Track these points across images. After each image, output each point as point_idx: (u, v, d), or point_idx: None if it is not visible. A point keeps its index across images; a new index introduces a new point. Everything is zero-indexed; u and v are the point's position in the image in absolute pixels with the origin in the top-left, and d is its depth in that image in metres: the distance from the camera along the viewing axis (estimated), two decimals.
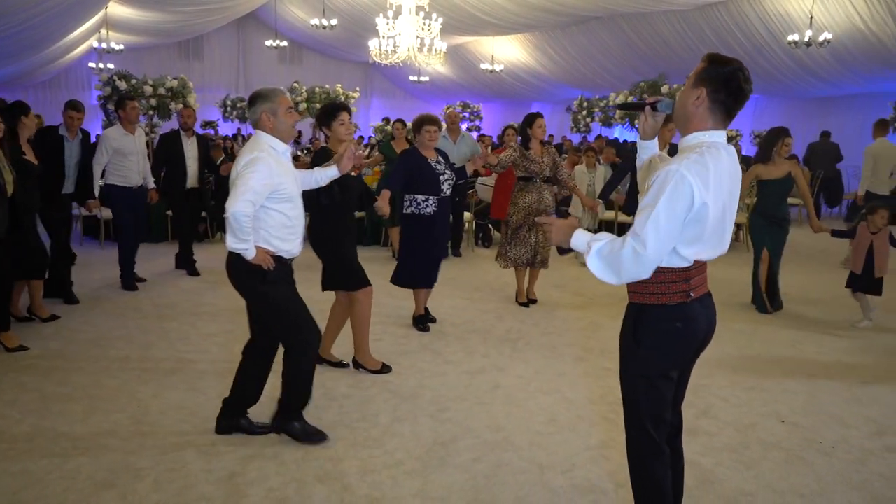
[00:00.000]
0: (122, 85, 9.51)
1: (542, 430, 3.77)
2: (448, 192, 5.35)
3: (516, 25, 18.29)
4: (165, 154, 7.09)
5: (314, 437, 3.53)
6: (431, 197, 5.23)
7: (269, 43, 20.54)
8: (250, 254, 3.21)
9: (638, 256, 2.15)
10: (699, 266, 2.34)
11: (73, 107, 5.84)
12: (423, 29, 13.98)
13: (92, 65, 19.43)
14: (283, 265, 3.38)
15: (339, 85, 13.47)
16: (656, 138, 2.59)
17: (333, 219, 4.32)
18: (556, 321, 5.86)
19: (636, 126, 11.18)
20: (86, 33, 17.03)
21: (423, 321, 5.59)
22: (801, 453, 3.56)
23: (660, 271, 2.26)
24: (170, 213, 8.41)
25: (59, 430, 3.64)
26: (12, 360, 4.64)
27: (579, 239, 2.31)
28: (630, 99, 10.60)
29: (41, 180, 5.40)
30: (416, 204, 5.25)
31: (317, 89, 12.58)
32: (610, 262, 2.20)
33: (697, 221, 2.19)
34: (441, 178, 5.26)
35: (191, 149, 7.09)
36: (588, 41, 17.98)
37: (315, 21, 17.54)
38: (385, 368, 4.57)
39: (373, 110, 27.02)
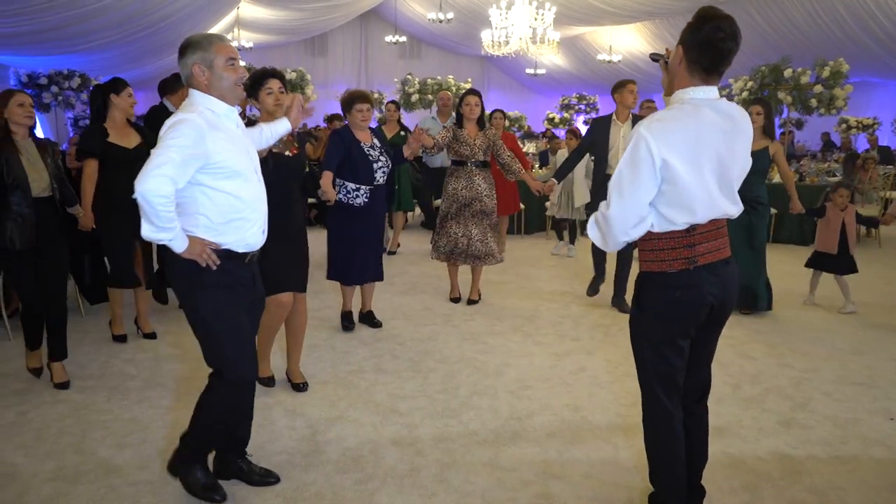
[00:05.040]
0: None
1: (624, 412, 3.70)
2: (382, 181, 4.76)
3: (635, 14, 17.75)
4: None
5: (212, 494, 2.78)
6: (364, 186, 4.67)
7: (388, 38, 21.07)
8: (178, 245, 2.47)
9: (604, 218, 2.24)
10: (706, 232, 2.28)
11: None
12: (535, 19, 13.88)
13: None
14: (233, 263, 2.63)
15: (451, 77, 13.64)
16: None
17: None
18: None
19: None
20: (220, 33, 18.18)
21: (346, 319, 5.08)
22: None
23: (657, 237, 2.28)
24: None
25: (167, 386, 3.97)
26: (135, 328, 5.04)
27: None
28: (750, 84, 10.06)
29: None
30: (345, 191, 4.67)
31: (429, 80, 12.81)
32: (597, 226, 2.32)
33: (668, 181, 2.18)
34: (374, 165, 4.68)
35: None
36: None
37: (432, 15, 17.83)
38: (268, 381, 3.92)
39: (490, 103, 27.09)
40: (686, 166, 2.16)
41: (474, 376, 4.17)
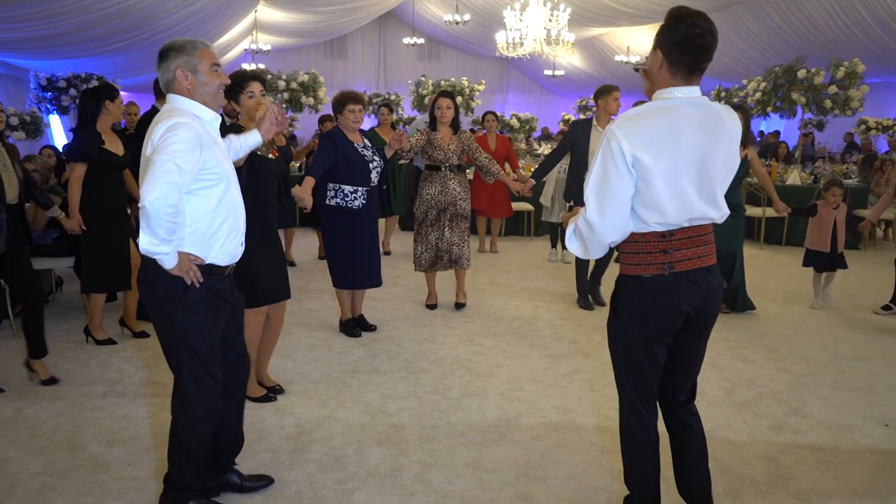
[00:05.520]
0: None
1: (612, 415, 3.67)
2: (376, 182, 4.74)
3: (652, 14, 17.60)
4: None
5: None
6: (360, 188, 4.63)
7: (406, 40, 21.13)
8: (169, 262, 2.36)
9: (586, 223, 2.20)
10: (686, 239, 2.22)
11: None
12: (550, 20, 13.84)
13: (245, 66, 20.96)
14: (214, 279, 2.53)
15: (465, 78, 13.64)
16: None
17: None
18: None
19: (771, 116, 10.48)
20: (239, 36, 18.36)
21: (351, 326, 4.99)
22: None
23: (634, 241, 2.25)
24: None
25: (164, 384, 4.03)
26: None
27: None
28: (763, 85, 9.93)
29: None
30: (342, 195, 4.63)
31: (442, 82, 12.83)
32: (577, 235, 2.28)
33: (641, 178, 2.13)
34: (370, 165, 4.66)
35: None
36: (730, 28, 16.97)
37: (449, 17, 17.85)
38: (268, 397, 3.80)
39: (508, 105, 27.08)
40: (657, 163, 2.10)
41: (467, 377, 4.18)
